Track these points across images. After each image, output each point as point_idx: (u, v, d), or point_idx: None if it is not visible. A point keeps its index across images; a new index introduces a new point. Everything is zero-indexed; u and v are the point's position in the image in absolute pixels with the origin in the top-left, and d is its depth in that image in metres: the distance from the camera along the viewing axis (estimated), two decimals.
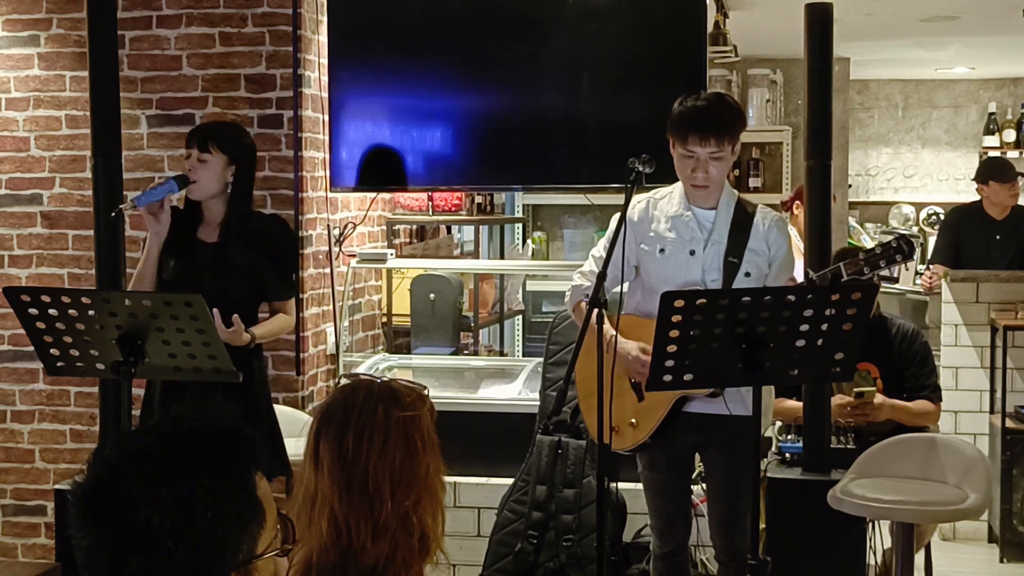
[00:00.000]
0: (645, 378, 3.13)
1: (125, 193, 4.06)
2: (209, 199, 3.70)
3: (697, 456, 3.75)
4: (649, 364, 3.05)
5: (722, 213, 3.49)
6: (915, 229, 9.67)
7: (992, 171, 6.28)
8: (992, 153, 9.04)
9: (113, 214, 3.74)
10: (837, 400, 4.22)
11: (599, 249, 3.59)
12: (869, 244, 7.76)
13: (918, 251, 8.03)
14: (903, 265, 3.51)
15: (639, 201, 3.55)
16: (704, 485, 3.75)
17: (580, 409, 3.66)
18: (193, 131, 3.80)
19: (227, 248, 3.68)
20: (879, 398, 4.24)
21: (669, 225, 3.50)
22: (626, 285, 3.52)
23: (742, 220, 3.49)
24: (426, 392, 2.06)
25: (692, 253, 3.47)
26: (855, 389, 4.23)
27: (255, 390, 3.71)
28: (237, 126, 3.98)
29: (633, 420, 3.51)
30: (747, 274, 3.45)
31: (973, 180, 6.41)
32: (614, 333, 3.40)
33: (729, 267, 3.44)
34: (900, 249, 3.28)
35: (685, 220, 3.49)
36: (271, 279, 3.73)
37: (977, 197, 6.39)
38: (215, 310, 3.41)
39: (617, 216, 3.43)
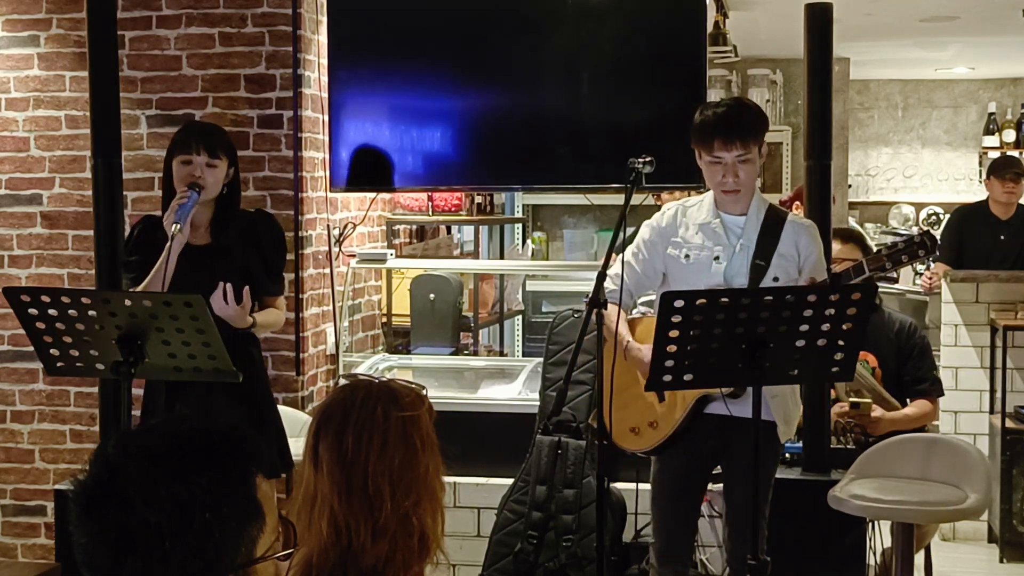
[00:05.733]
0: None
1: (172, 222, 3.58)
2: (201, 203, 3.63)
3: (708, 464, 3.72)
4: None
5: (752, 218, 3.48)
6: (915, 229, 9.67)
7: (993, 166, 6.33)
8: (992, 154, 9.05)
9: (172, 238, 3.49)
10: (836, 409, 4.23)
11: (628, 254, 3.59)
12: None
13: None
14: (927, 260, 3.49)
15: (668, 208, 3.58)
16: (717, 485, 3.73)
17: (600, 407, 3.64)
18: (194, 137, 3.61)
19: (220, 249, 3.64)
20: (877, 411, 4.24)
21: (697, 232, 3.50)
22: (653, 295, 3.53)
23: (772, 225, 3.47)
24: (424, 392, 2.06)
25: (717, 259, 3.46)
26: (850, 399, 4.24)
27: (257, 380, 3.68)
28: (221, 127, 3.94)
29: (653, 421, 3.51)
30: (775, 279, 3.43)
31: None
32: (629, 339, 3.42)
33: (756, 270, 3.42)
34: (923, 244, 3.27)
35: (713, 227, 3.48)
36: (260, 275, 3.68)
37: (981, 197, 6.44)
38: (227, 284, 3.44)
39: (646, 222, 3.54)
